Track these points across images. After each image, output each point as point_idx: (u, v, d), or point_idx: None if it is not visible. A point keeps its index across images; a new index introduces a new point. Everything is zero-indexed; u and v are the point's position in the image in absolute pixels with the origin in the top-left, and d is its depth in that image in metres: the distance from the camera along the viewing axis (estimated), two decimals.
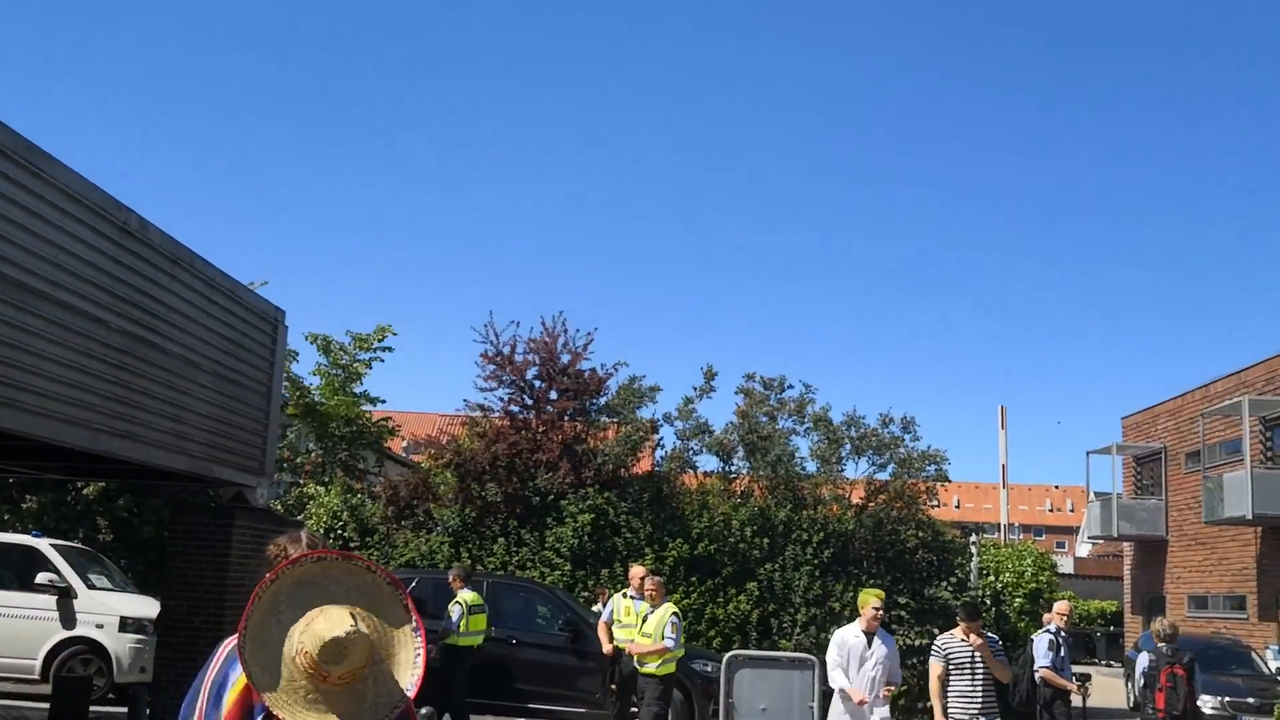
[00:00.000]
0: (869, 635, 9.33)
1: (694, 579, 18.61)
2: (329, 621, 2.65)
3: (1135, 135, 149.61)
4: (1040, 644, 12.32)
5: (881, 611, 9.43)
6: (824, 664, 10.06)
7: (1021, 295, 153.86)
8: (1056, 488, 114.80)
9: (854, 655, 9.22)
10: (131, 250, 9.52)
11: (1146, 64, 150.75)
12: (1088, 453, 33.44)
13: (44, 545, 15.57)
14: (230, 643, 2.91)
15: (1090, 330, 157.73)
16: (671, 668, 11.93)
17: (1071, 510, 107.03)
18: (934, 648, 9.19)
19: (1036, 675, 12.29)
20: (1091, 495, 34.78)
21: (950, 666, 9.05)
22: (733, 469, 20.86)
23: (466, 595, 13.72)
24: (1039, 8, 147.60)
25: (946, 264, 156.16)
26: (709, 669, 14.35)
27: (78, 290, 8.72)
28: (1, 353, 7.78)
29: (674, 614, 11.92)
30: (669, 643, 11.69)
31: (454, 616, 13.54)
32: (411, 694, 2.70)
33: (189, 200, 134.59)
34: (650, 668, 11.75)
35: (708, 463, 20.98)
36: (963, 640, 9.10)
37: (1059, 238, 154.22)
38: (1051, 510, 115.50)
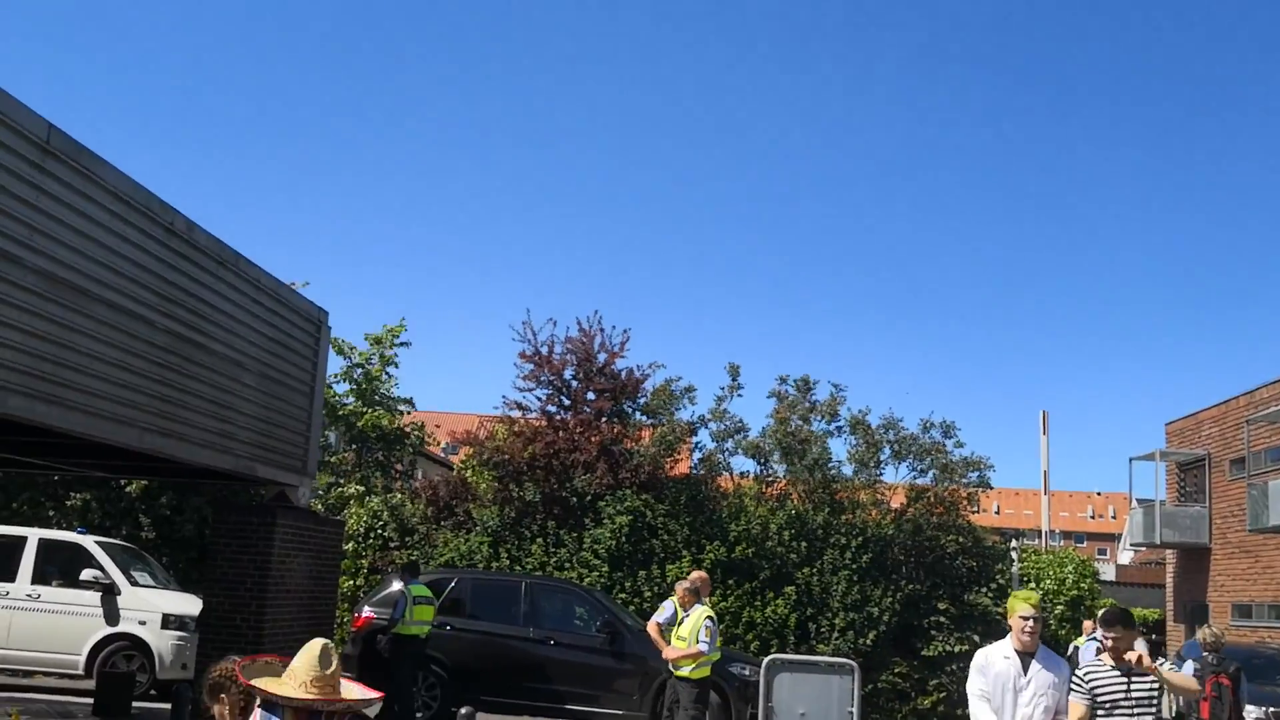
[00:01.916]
0: (1024, 657, 6.52)
1: (731, 582, 18.58)
2: (310, 645, 3.66)
3: (1179, 137, 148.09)
4: (1090, 652, 12.12)
5: (1038, 624, 6.57)
6: (862, 668, 9.64)
7: (1065, 300, 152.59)
8: (1098, 494, 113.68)
9: (1005, 686, 6.51)
10: (178, 251, 9.63)
11: (1185, 62, 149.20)
12: (1131, 459, 33.08)
13: (89, 542, 15.76)
14: None
15: (1134, 335, 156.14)
16: (706, 671, 11.85)
17: (1113, 517, 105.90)
18: (1074, 683, 6.49)
19: None
20: (1134, 502, 34.40)
21: (1097, 708, 6.42)
22: (769, 471, 20.81)
23: (413, 588, 14.04)
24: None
25: (989, 268, 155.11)
26: (746, 672, 14.30)
27: (125, 290, 8.82)
28: (50, 351, 7.88)
29: (709, 618, 11.88)
30: (703, 646, 11.64)
31: (398, 607, 13.90)
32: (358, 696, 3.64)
33: (227, 204, 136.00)
34: (684, 671, 11.71)
35: (743, 464, 20.96)
36: (1112, 669, 6.49)
37: (1103, 242, 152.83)
38: (1093, 517, 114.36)
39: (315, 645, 3.67)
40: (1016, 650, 6.53)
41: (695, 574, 12.80)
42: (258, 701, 3.64)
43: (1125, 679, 6.38)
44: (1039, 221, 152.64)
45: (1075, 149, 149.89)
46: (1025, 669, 6.48)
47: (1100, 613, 7.20)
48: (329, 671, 3.60)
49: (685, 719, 11.64)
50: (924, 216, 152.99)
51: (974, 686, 6.70)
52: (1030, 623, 6.45)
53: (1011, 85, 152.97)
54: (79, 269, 8.16)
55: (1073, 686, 6.44)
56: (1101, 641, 9.62)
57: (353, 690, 3.76)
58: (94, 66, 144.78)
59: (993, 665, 6.60)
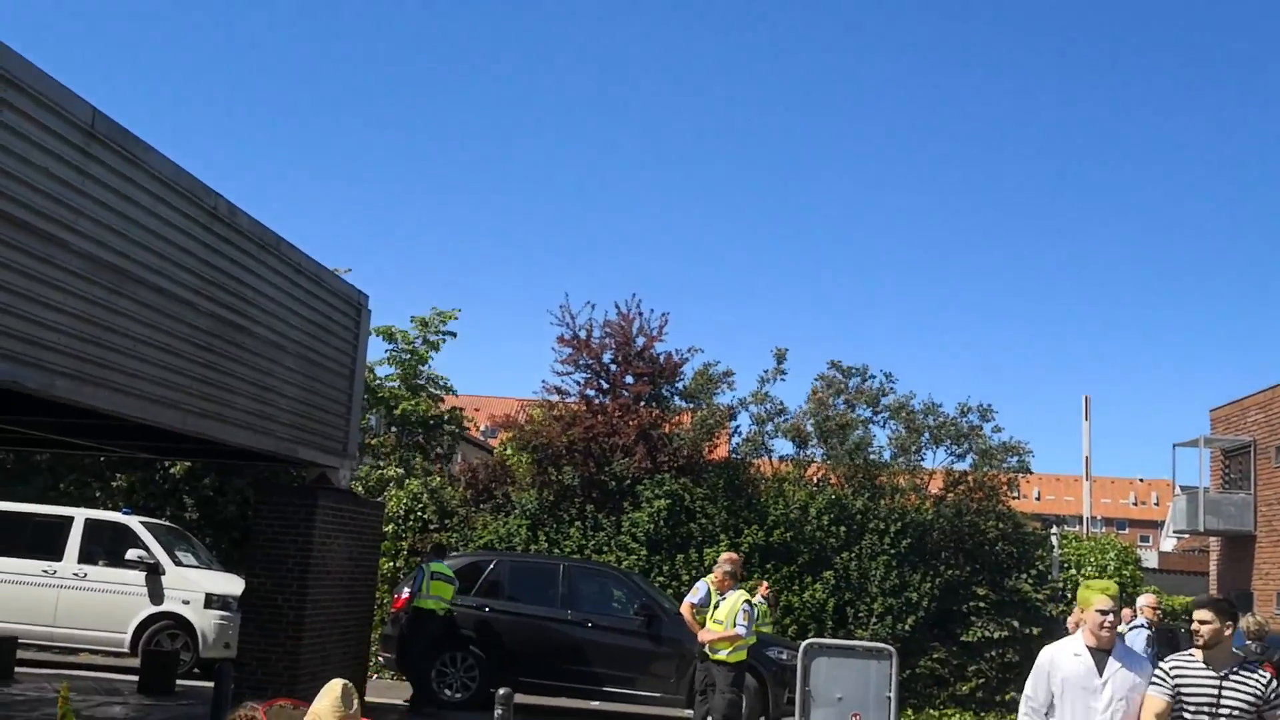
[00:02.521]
0: (1099, 654, 5.60)
1: (769, 566, 18.57)
2: (330, 686, 3.62)
3: (1230, 115, 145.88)
4: (1139, 639, 11.91)
5: (1117, 618, 5.76)
6: (900, 654, 9.37)
7: (1109, 284, 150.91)
8: (1141, 480, 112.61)
9: (1076, 688, 5.59)
10: (220, 235, 9.71)
11: (1223, 51, 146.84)
12: (1174, 445, 32.72)
13: (134, 523, 15.98)
14: None
15: (1180, 319, 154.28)
16: (742, 655, 11.85)
17: (1156, 504, 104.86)
18: (1157, 676, 5.59)
19: None
20: (1177, 489, 34.04)
21: (1185, 707, 5.50)
22: (807, 454, 20.73)
23: (432, 565, 14.43)
24: None
25: (1030, 252, 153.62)
26: (784, 656, 14.30)
27: (168, 273, 8.91)
28: (95, 334, 7.98)
29: (746, 601, 11.86)
30: (740, 630, 11.64)
31: (415, 581, 14.33)
32: None
33: (270, 190, 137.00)
34: (721, 655, 11.70)
35: (783, 447, 20.90)
36: (1204, 667, 5.53)
37: (1144, 226, 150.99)
38: (1136, 503, 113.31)
39: (336, 686, 3.62)
40: (1090, 647, 5.61)
41: (725, 555, 12.67)
42: None
43: (1218, 680, 5.44)
44: (1080, 204, 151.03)
45: (1123, 128, 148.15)
46: (1101, 669, 5.55)
47: (1195, 599, 6.38)
48: (351, 711, 3.56)
49: (722, 702, 11.66)
50: (963, 201, 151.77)
51: (1032, 691, 5.87)
52: (1109, 616, 5.57)
53: (1055, 61, 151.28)
54: (123, 252, 8.25)
55: (1154, 680, 5.55)
56: (1148, 629, 9.10)
57: None
58: (138, 49, 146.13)
59: (1061, 666, 5.69)
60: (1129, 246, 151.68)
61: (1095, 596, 5.62)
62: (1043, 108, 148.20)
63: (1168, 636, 13.34)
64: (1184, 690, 5.47)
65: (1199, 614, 5.59)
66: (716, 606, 11.96)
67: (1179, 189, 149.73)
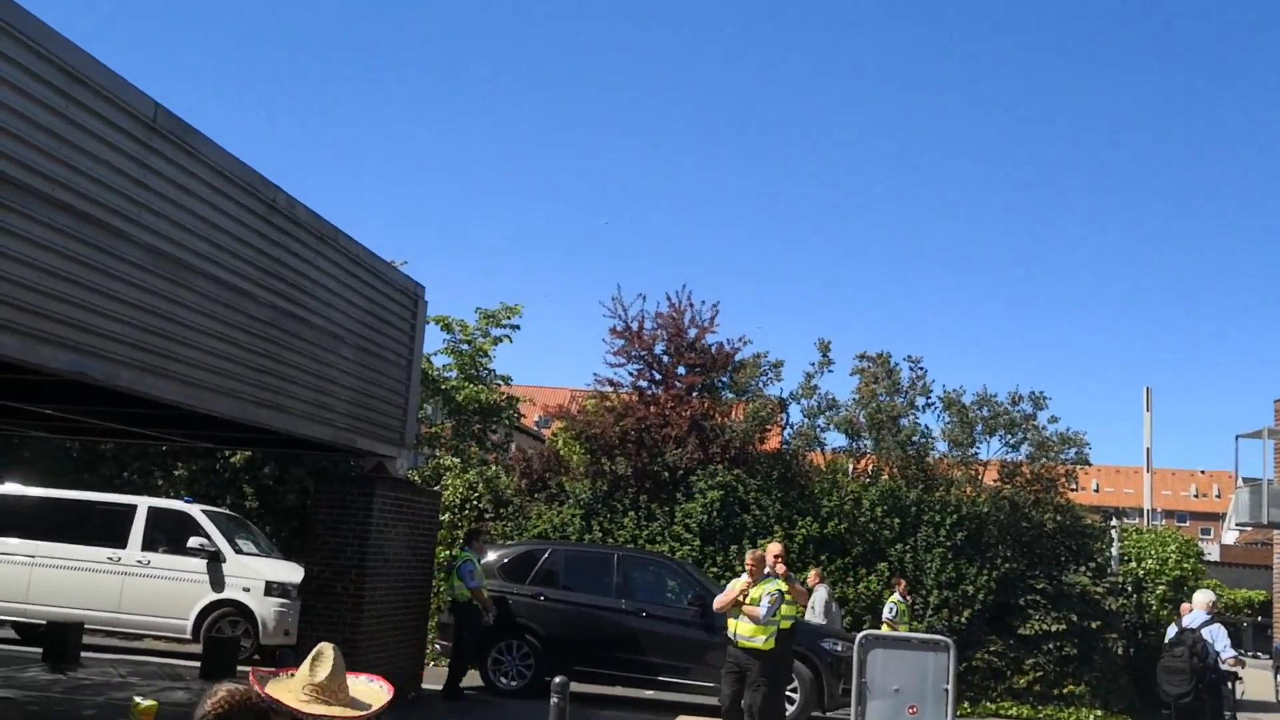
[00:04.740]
0: None
1: (824, 558, 18.48)
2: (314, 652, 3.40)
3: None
4: (1221, 634, 11.56)
5: None
6: (956, 647, 9.14)
7: (1169, 273, 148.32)
8: (1202, 472, 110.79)
9: None
10: (279, 226, 9.81)
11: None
12: (1237, 436, 32.04)
13: (195, 511, 16.21)
14: None
15: (1242, 308, 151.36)
16: (772, 644, 11.42)
17: (1218, 496, 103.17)
18: None
19: (1223, 667, 11.50)
20: (1240, 480, 33.41)
21: None
22: (860, 446, 20.58)
23: (469, 554, 14.43)
24: None
25: (1090, 241, 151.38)
26: (838, 648, 14.24)
27: (228, 265, 9.03)
28: (158, 325, 8.10)
29: (779, 590, 11.64)
30: (760, 610, 11.30)
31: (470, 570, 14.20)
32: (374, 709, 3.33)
33: (331, 183, 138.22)
34: (746, 639, 11.32)
35: (834, 439, 20.78)
36: None
37: (1209, 212, 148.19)
38: (1197, 495, 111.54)
39: (315, 650, 3.48)
40: None
41: (774, 547, 12.50)
42: None
43: None
44: (1139, 191, 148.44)
45: (1197, 107, 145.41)
46: None
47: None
48: (318, 680, 3.36)
49: (757, 699, 11.16)
50: (1021, 188, 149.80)
51: None
52: None
53: (1114, 52, 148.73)
54: (185, 244, 8.36)
55: None
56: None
57: (360, 700, 3.51)
58: (202, 43, 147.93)
59: None
60: (1192, 234, 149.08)
61: None
62: (1110, 81, 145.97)
63: (1230, 631, 13.00)
64: None
65: None
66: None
67: (1240, 179, 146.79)
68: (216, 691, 3.18)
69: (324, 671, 3.29)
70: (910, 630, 15.78)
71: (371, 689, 3.48)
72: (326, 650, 3.34)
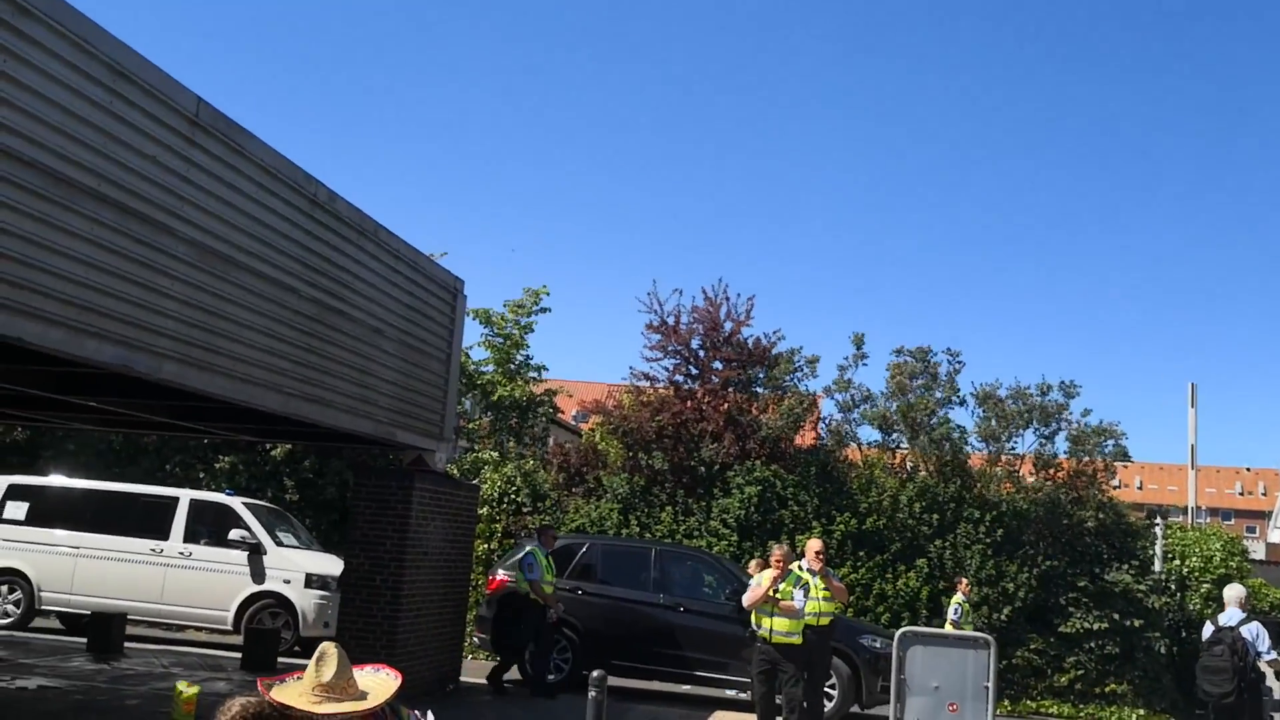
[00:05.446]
0: None
1: (861, 554, 18.41)
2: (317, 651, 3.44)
3: None
4: (1262, 633, 11.32)
5: None
6: (996, 644, 8.83)
7: (1215, 268, 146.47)
8: (1248, 470, 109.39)
9: None
10: (320, 221, 9.86)
11: None
12: None
13: (237, 504, 16.35)
14: None
15: None
16: (798, 640, 11.33)
17: (1264, 494, 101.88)
18: None
19: (1263, 665, 11.28)
20: None
21: None
22: (894, 442, 20.38)
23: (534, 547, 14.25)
24: None
25: (1131, 234, 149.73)
26: (878, 644, 14.17)
27: (271, 260, 9.08)
28: (201, 319, 8.16)
29: (806, 582, 11.51)
30: (796, 604, 11.22)
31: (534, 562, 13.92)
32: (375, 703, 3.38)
33: (371, 179, 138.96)
34: (784, 635, 11.21)
35: (869, 435, 20.62)
36: None
37: (1249, 202, 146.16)
38: (1242, 493, 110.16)
39: (318, 651, 3.41)
40: None
41: (814, 543, 12.42)
42: None
43: None
44: (1181, 188, 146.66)
45: (1237, 102, 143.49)
46: None
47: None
48: (325, 680, 3.37)
49: (790, 698, 11.14)
50: (1062, 182, 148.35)
51: None
52: None
53: (1159, 47, 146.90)
54: (228, 239, 8.42)
55: None
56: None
57: (370, 691, 3.49)
58: (242, 42, 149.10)
59: None
60: (1236, 226, 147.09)
61: None
62: (1153, 75, 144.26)
63: (1274, 630, 12.71)
64: None
65: None
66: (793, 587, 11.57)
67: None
68: (230, 707, 3.20)
69: (329, 671, 3.31)
70: (970, 629, 15.63)
71: (379, 679, 3.52)
72: (329, 650, 3.36)
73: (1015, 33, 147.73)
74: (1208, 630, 11.41)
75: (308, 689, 3.31)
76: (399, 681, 3.50)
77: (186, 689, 9.18)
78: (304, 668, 3.39)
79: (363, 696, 3.38)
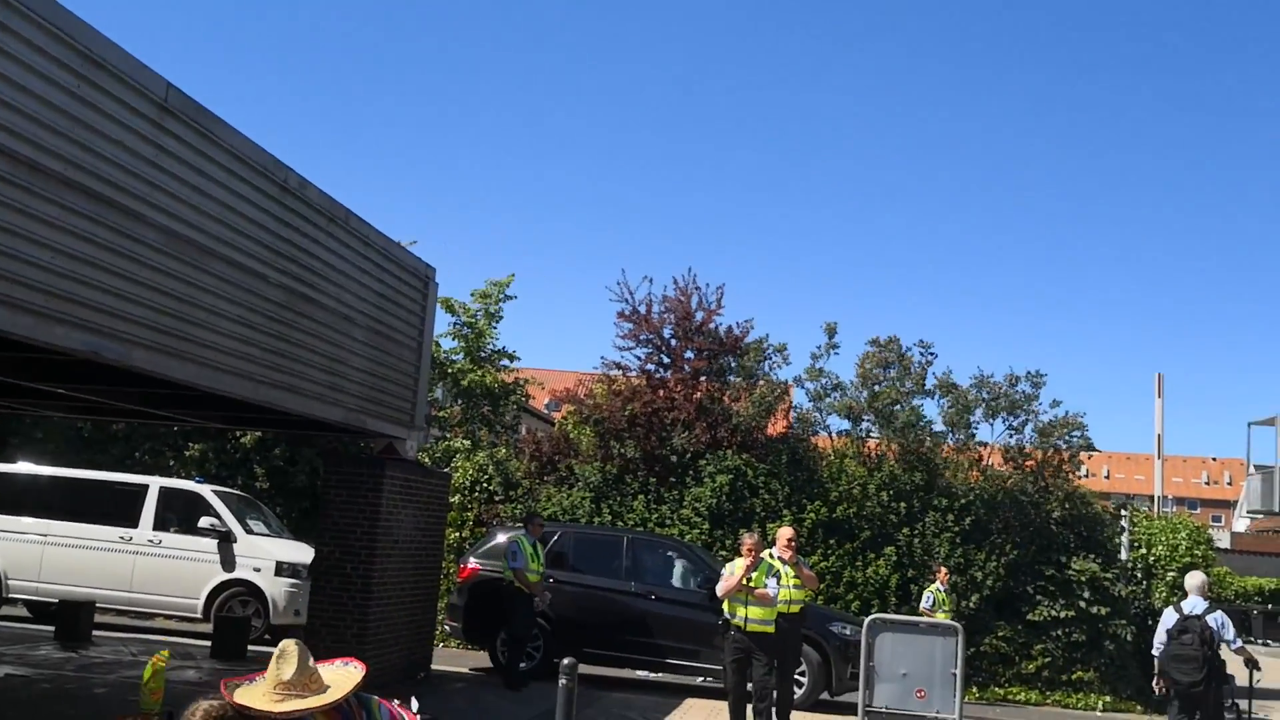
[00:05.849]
0: None
1: (832, 541, 18.52)
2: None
3: None
4: (1228, 621, 11.41)
5: None
6: (964, 632, 8.85)
7: (1180, 258, 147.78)
8: (1214, 459, 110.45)
9: None
10: (291, 208, 9.81)
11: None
12: (1249, 424, 32.07)
13: (206, 491, 16.28)
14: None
15: (1254, 294, 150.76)
16: (772, 629, 11.15)
17: (1229, 483, 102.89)
18: None
19: (1232, 651, 11.39)
20: (1252, 468, 33.40)
21: None
22: (862, 431, 20.46)
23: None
24: None
25: (1098, 226, 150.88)
26: (847, 632, 14.27)
27: (241, 246, 9.03)
28: (172, 306, 8.11)
29: (777, 570, 11.50)
30: (770, 592, 11.05)
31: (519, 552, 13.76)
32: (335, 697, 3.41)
33: (339, 165, 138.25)
34: (759, 624, 11.03)
35: (837, 423, 20.70)
36: None
37: (1213, 195, 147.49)
38: (1208, 483, 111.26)
39: (278, 648, 3.41)
40: None
41: (785, 531, 12.39)
42: None
43: None
44: (1148, 177, 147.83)
45: (1202, 95, 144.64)
46: None
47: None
48: (286, 677, 3.38)
49: (771, 679, 11.15)
50: (1029, 172, 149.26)
51: None
52: None
53: (1122, 35, 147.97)
54: (198, 226, 8.37)
55: None
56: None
57: (333, 685, 3.46)
58: (211, 31, 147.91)
59: None
60: (1202, 218, 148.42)
61: None
62: (1114, 65, 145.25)
63: (1241, 618, 12.84)
64: None
65: None
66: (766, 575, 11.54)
67: (1251, 164, 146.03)
68: (195, 711, 3.21)
69: (290, 668, 3.32)
70: (949, 617, 15.72)
71: (345, 672, 3.56)
72: (289, 647, 3.37)
73: (982, 23, 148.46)
74: (1169, 618, 11.36)
75: (270, 688, 3.31)
76: (362, 673, 3.51)
77: (158, 662, 9.13)
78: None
79: (324, 691, 3.40)
